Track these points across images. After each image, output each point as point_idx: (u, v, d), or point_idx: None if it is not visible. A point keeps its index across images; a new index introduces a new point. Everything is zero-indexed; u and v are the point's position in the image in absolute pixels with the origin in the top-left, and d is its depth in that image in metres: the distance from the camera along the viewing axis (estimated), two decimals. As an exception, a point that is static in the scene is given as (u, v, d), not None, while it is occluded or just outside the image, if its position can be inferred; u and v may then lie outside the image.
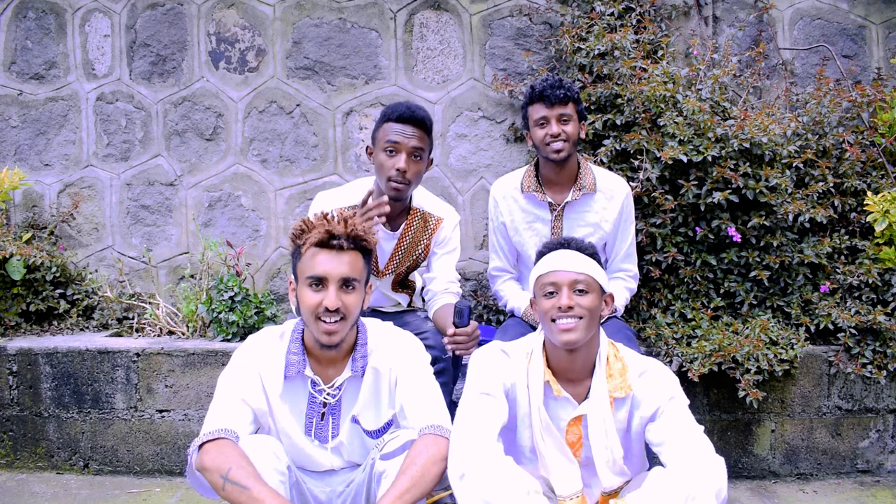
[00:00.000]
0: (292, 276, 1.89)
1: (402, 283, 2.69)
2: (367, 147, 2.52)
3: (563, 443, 1.84)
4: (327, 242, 1.77)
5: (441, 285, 2.57)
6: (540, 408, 1.83)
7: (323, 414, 1.89)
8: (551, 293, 1.81)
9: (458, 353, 2.22)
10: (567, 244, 1.87)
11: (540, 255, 1.91)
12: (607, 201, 2.57)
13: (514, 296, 2.66)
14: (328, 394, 1.88)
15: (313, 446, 1.91)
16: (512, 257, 2.73)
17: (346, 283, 1.78)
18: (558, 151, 2.48)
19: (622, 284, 2.63)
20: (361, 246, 1.82)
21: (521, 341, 1.96)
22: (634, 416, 1.84)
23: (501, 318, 3.23)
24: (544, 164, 2.57)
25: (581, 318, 1.77)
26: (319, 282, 1.77)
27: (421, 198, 2.57)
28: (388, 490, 1.64)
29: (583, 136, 2.58)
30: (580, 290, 1.79)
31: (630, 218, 2.63)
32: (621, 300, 2.60)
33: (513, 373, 1.87)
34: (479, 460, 1.67)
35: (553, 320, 1.80)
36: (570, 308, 1.77)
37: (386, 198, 2.30)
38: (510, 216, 2.64)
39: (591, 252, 1.87)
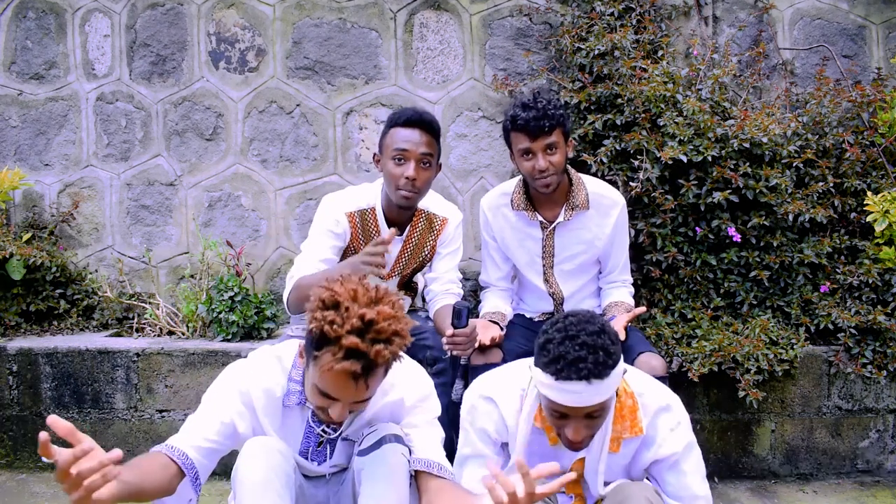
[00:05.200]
0: (303, 349, 1.67)
1: (406, 286, 2.68)
2: (374, 154, 2.49)
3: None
4: (349, 367, 1.51)
5: (442, 286, 2.56)
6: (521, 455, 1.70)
7: (320, 442, 1.81)
8: (561, 416, 1.59)
9: (455, 353, 2.21)
10: (593, 372, 1.50)
11: (554, 367, 1.52)
12: (601, 218, 2.50)
13: (483, 305, 2.65)
14: (328, 427, 1.78)
15: (306, 462, 1.85)
16: (504, 269, 2.67)
17: (357, 402, 1.60)
18: (548, 185, 2.37)
19: (626, 291, 2.63)
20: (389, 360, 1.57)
21: (510, 376, 1.79)
22: (644, 454, 1.74)
23: (501, 318, 3.23)
24: (533, 187, 2.47)
25: (588, 438, 1.61)
26: (327, 396, 1.58)
27: (425, 198, 2.52)
28: None
29: (570, 154, 2.45)
30: (595, 416, 1.58)
31: (624, 230, 2.58)
32: (631, 302, 2.61)
33: (502, 416, 1.75)
34: None
35: (559, 433, 1.65)
36: (581, 440, 1.59)
37: (389, 234, 2.18)
38: (501, 233, 2.59)
39: (614, 356, 1.54)
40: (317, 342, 1.52)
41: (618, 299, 2.56)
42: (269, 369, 1.77)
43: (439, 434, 1.80)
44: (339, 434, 1.80)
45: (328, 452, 1.82)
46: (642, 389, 1.74)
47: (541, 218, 2.51)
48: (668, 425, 1.71)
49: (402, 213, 2.46)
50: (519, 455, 1.68)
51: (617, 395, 1.70)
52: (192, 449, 1.63)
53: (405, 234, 2.51)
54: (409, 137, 2.33)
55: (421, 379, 1.83)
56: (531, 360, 1.68)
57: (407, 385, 1.79)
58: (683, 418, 1.74)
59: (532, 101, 2.34)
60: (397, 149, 2.33)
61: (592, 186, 2.51)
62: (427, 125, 2.37)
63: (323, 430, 1.78)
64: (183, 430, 1.69)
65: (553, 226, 2.50)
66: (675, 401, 1.76)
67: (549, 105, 2.33)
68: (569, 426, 1.57)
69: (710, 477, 2.90)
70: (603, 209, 2.50)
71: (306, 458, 1.83)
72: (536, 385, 1.62)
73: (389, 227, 2.48)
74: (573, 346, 1.51)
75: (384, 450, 1.66)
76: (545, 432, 1.74)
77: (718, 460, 2.87)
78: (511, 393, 1.76)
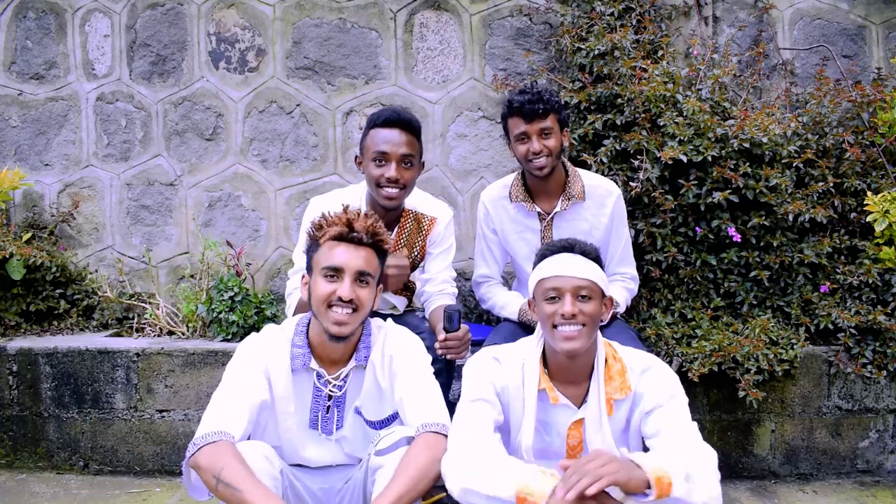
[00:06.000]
0: (305, 273, 1.91)
1: (403, 286, 2.68)
2: (356, 157, 2.48)
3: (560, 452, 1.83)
4: (346, 236, 1.82)
5: (436, 286, 2.56)
6: (533, 419, 1.81)
7: (328, 407, 1.91)
8: (553, 298, 1.79)
9: (449, 357, 2.21)
10: (571, 247, 1.82)
11: (541, 256, 1.87)
12: (597, 209, 2.53)
13: (506, 301, 2.61)
14: (334, 385, 1.90)
15: (315, 440, 1.92)
16: (501, 264, 2.70)
17: (361, 277, 1.83)
18: (541, 168, 2.42)
19: (620, 285, 2.61)
20: (378, 244, 1.86)
21: (514, 347, 1.94)
22: (635, 413, 1.84)
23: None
24: (530, 176, 2.53)
25: (584, 325, 1.76)
26: (335, 273, 1.81)
27: (412, 198, 2.52)
28: (385, 491, 1.63)
29: (566, 144, 2.50)
30: (583, 297, 1.77)
31: (621, 221, 2.59)
32: (620, 300, 2.58)
33: (504, 377, 1.86)
34: (475, 458, 1.65)
35: (555, 326, 1.77)
36: (574, 316, 1.75)
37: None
38: (500, 225, 2.61)
39: (594, 255, 1.84)
40: (315, 230, 1.85)
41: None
42: (275, 340, 1.91)
43: (432, 389, 1.89)
44: (345, 391, 1.90)
45: (335, 419, 1.90)
46: (629, 355, 1.89)
47: (538, 209, 2.54)
48: (653, 380, 1.82)
49: (388, 214, 2.45)
50: (530, 414, 1.80)
51: (606, 360, 1.85)
52: (239, 435, 1.74)
53: (393, 235, 2.50)
54: (388, 138, 2.32)
55: (408, 338, 1.99)
56: (533, 335, 1.92)
57: (397, 346, 1.95)
58: (668, 375, 1.84)
59: (528, 87, 2.45)
60: (377, 151, 2.32)
61: (588, 178, 2.57)
62: (406, 124, 2.35)
63: (330, 391, 1.89)
64: (219, 412, 1.76)
65: (551, 216, 2.53)
66: (658, 363, 1.87)
67: (545, 91, 2.42)
68: (563, 302, 1.76)
69: (710, 477, 2.89)
70: (598, 199, 2.53)
71: (316, 428, 1.91)
72: (533, 285, 1.85)
73: None
74: (558, 241, 1.87)
75: (399, 453, 1.75)
76: (547, 392, 1.83)
77: (718, 460, 2.86)
78: (513, 360, 1.88)
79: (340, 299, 1.79)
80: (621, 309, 2.59)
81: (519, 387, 1.85)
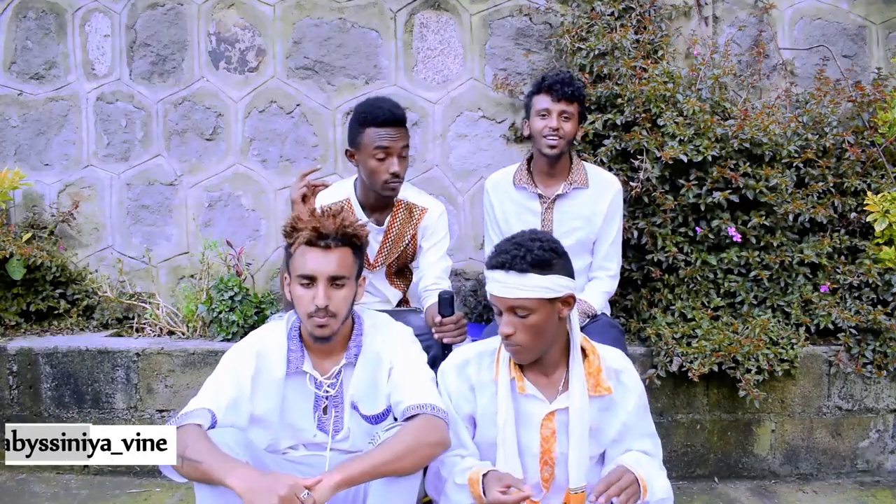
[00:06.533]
0: (286, 272, 1.92)
1: (399, 274, 2.70)
2: (347, 150, 2.52)
3: (534, 444, 1.84)
4: (316, 242, 1.81)
5: (429, 281, 2.58)
6: (508, 405, 1.82)
7: (325, 407, 1.92)
8: (498, 313, 1.78)
9: (445, 341, 2.25)
10: (510, 263, 1.71)
11: (489, 261, 1.79)
12: (599, 196, 2.60)
13: None
14: (328, 385, 1.91)
15: (316, 443, 1.92)
16: None
17: (335, 281, 1.82)
18: (552, 147, 2.51)
19: (597, 287, 2.60)
20: (351, 241, 1.85)
21: (486, 342, 1.95)
22: (603, 417, 1.83)
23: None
24: (537, 158, 2.61)
25: (520, 344, 1.75)
26: (309, 280, 1.81)
27: (405, 190, 2.60)
28: (361, 457, 1.63)
29: (578, 137, 2.61)
30: (520, 315, 1.73)
31: (615, 213, 2.62)
32: (598, 303, 2.56)
33: (472, 379, 1.87)
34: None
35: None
36: (509, 335, 1.75)
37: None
38: (502, 208, 2.67)
39: (538, 261, 1.71)
40: (286, 236, 1.84)
41: (579, 297, 2.54)
42: (274, 343, 1.92)
43: (423, 375, 1.90)
44: (338, 387, 1.91)
45: (332, 418, 1.91)
46: (605, 354, 1.88)
47: (540, 191, 2.61)
48: (629, 390, 1.84)
49: (379, 200, 2.53)
50: (503, 400, 1.80)
51: (584, 354, 1.83)
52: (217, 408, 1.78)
53: (385, 224, 2.56)
54: (387, 135, 2.40)
55: (397, 329, 2.00)
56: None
57: (386, 338, 1.96)
58: (638, 382, 1.88)
59: (563, 71, 2.61)
60: (379, 147, 2.40)
61: (592, 170, 2.67)
62: (400, 121, 2.44)
63: (326, 391, 1.90)
64: (211, 397, 1.78)
65: (552, 199, 2.59)
66: (629, 365, 1.89)
67: (577, 80, 2.62)
68: (501, 320, 1.75)
69: (710, 477, 2.92)
70: (600, 187, 2.60)
71: (321, 430, 1.92)
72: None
73: (368, 216, 2.55)
74: (508, 243, 1.75)
75: None
76: (515, 381, 1.83)
77: (718, 460, 2.87)
78: (485, 352, 1.90)
79: (317, 307, 1.79)
80: (598, 311, 2.56)
81: (490, 381, 1.86)
